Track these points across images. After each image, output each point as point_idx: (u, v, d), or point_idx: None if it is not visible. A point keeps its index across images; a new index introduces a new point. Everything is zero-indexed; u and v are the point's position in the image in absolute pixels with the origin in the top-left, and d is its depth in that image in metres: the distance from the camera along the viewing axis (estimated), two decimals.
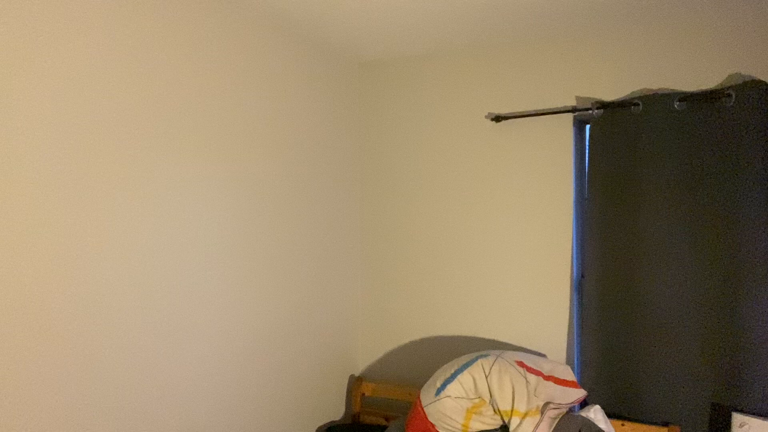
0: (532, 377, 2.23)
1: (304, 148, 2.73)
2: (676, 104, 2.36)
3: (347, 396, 3.10)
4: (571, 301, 2.66)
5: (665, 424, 2.37)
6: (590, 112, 2.54)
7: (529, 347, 2.75)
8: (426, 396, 2.33)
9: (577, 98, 2.64)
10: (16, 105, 1.59)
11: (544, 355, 2.68)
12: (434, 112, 3.00)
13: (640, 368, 2.43)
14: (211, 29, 2.22)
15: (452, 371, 2.32)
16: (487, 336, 2.85)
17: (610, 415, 2.50)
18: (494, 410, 2.23)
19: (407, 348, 3.07)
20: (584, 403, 2.50)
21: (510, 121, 2.80)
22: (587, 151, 2.59)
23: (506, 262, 2.80)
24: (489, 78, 2.86)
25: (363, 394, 3.02)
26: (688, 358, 2.35)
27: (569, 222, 2.66)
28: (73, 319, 1.73)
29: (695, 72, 2.42)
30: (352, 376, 3.14)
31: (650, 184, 2.41)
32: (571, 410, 2.38)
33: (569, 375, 2.35)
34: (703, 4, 2.34)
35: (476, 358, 2.32)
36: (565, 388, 2.27)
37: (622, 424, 2.41)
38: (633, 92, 2.53)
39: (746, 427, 2.17)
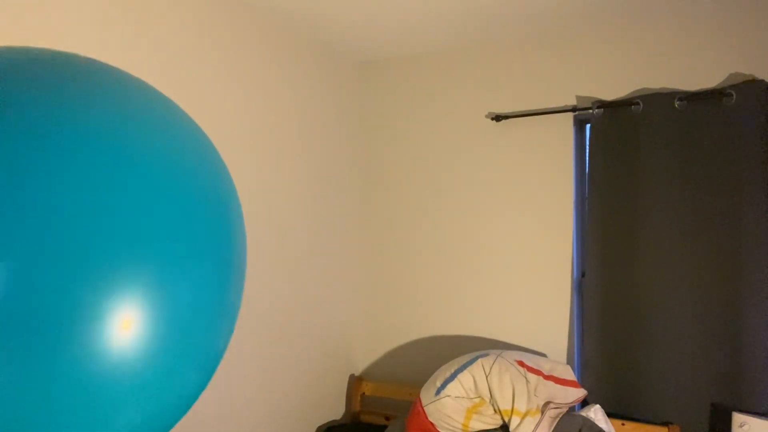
0: (532, 377, 2.23)
1: (303, 148, 2.73)
2: (677, 104, 2.36)
3: (347, 396, 3.10)
4: (571, 300, 2.66)
5: (665, 424, 2.37)
6: (590, 111, 2.54)
7: (529, 347, 2.75)
8: (426, 395, 2.33)
9: (578, 98, 2.64)
10: None
11: (544, 355, 2.68)
12: (434, 111, 3.00)
13: (640, 368, 2.43)
14: (209, 29, 2.22)
15: (452, 371, 2.32)
16: (487, 336, 2.85)
17: (610, 414, 2.50)
18: (494, 410, 2.22)
19: (407, 348, 3.07)
20: (584, 403, 2.50)
21: (510, 120, 2.80)
22: (587, 150, 2.59)
23: (506, 262, 2.80)
24: (489, 78, 2.86)
25: (363, 394, 3.02)
26: (688, 358, 2.35)
27: (569, 222, 2.66)
28: None
29: (695, 72, 2.42)
30: (352, 376, 3.14)
31: (650, 184, 2.41)
32: (571, 410, 2.38)
33: (569, 374, 2.35)
34: (703, 4, 2.34)
35: (476, 358, 2.32)
36: (565, 387, 2.27)
37: (623, 424, 2.40)
38: (633, 92, 2.53)
39: (746, 427, 2.17)
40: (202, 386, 0.56)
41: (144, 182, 0.48)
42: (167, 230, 0.48)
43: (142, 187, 0.48)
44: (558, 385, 2.26)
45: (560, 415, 2.19)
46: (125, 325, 0.44)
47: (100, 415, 0.44)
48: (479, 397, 2.24)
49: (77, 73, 0.55)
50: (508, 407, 2.17)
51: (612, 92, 2.58)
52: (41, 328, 0.41)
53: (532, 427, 2.11)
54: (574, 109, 2.58)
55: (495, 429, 2.24)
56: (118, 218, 0.45)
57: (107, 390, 0.44)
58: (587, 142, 2.59)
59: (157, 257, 0.47)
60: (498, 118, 2.78)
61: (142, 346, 0.46)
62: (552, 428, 2.15)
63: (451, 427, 2.25)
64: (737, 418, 2.20)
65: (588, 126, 2.63)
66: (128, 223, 0.46)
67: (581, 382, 2.55)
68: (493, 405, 2.22)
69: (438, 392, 2.28)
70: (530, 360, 2.34)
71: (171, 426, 0.53)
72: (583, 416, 2.24)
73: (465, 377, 2.26)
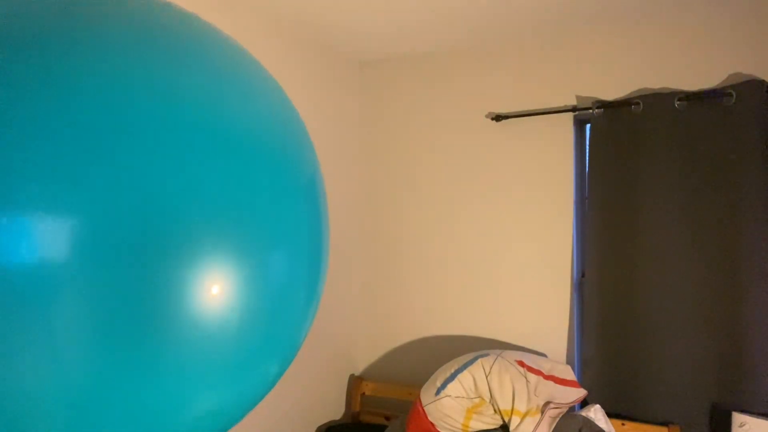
0: (532, 377, 2.23)
1: None
2: (677, 104, 2.36)
3: (347, 395, 3.10)
4: (571, 301, 2.66)
5: (665, 424, 2.37)
6: (590, 111, 2.54)
7: (529, 347, 2.75)
8: (426, 395, 2.33)
9: (577, 98, 2.64)
10: None
11: (544, 355, 2.68)
12: (434, 111, 3.00)
13: (640, 368, 2.43)
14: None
15: (452, 371, 2.32)
16: (487, 336, 2.85)
17: (610, 414, 2.50)
18: (494, 410, 2.22)
19: (407, 348, 3.07)
20: (584, 403, 2.50)
21: (510, 120, 2.80)
22: (587, 150, 2.59)
23: (506, 262, 2.80)
24: (489, 78, 2.86)
25: (363, 394, 3.02)
26: (688, 358, 2.35)
27: (569, 222, 2.66)
28: None
29: (695, 72, 2.42)
30: (352, 376, 3.14)
31: (650, 184, 2.41)
32: (571, 410, 2.38)
33: (569, 374, 2.35)
34: (703, 4, 2.34)
35: (476, 358, 2.32)
36: (565, 387, 2.27)
37: (623, 424, 2.40)
38: (633, 92, 2.53)
39: (746, 427, 2.17)
40: (278, 376, 0.57)
41: (246, 155, 0.50)
42: (264, 210, 0.50)
43: (244, 161, 0.50)
44: (558, 385, 2.26)
45: (560, 415, 2.19)
46: (214, 296, 0.46)
47: (183, 392, 0.45)
48: (479, 397, 2.24)
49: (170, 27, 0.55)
50: (508, 407, 2.17)
51: (612, 92, 2.58)
52: (138, 294, 0.42)
53: (532, 427, 2.11)
54: (574, 109, 2.58)
55: (495, 429, 2.24)
56: (216, 190, 0.47)
57: (193, 363, 0.45)
58: (587, 142, 2.59)
59: (253, 234, 0.48)
60: (498, 118, 2.78)
61: (231, 323, 0.47)
62: (552, 428, 2.15)
63: (451, 427, 2.25)
64: (737, 418, 2.20)
65: (588, 126, 2.63)
66: (224, 198, 0.48)
67: (581, 382, 2.55)
68: (493, 405, 2.22)
69: (438, 392, 2.28)
70: (530, 360, 2.34)
71: (239, 417, 0.53)
72: (583, 416, 2.24)
73: (465, 377, 2.26)
